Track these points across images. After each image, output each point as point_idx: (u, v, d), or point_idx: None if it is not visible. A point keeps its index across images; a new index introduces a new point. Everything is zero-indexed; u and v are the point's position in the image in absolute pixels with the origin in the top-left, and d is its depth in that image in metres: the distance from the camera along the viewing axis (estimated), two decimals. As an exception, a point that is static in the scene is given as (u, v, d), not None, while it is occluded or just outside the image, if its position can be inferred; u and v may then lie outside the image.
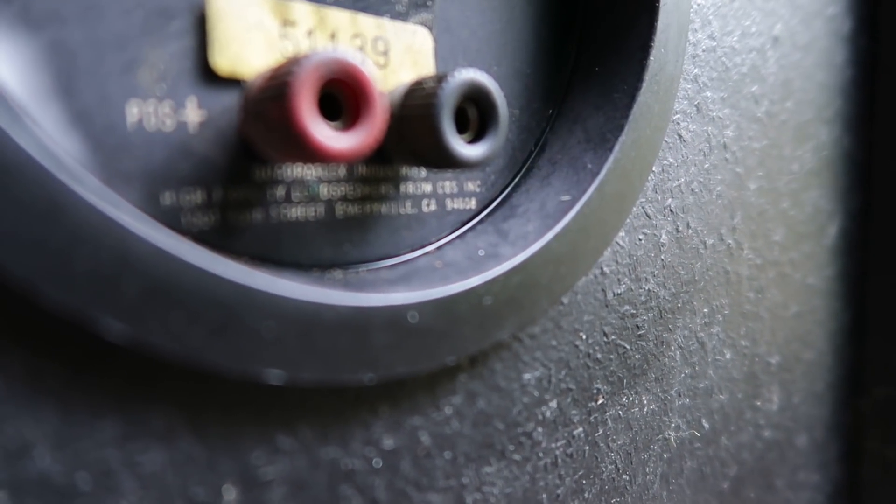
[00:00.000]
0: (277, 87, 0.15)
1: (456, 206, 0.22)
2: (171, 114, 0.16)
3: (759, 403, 0.31)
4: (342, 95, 0.17)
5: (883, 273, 0.37)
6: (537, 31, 0.24)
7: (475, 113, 0.19)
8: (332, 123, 0.17)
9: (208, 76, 0.17)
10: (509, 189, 0.23)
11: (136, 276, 0.13)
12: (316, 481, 0.17)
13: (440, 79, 0.18)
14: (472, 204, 0.22)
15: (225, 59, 0.17)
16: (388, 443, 0.18)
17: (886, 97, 0.37)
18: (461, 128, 0.19)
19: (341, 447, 0.18)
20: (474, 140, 0.19)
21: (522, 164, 0.24)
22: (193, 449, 0.15)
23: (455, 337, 0.18)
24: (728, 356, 0.29)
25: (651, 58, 0.23)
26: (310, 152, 0.16)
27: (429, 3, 0.21)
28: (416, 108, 0.18)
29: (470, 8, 0.22)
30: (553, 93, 0.25)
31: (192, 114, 0.17)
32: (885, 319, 0.37)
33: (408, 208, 0.21)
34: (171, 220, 0.17)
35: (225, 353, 0.15)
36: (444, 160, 0.18)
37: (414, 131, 0.18)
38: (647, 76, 0.23)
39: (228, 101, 0.17)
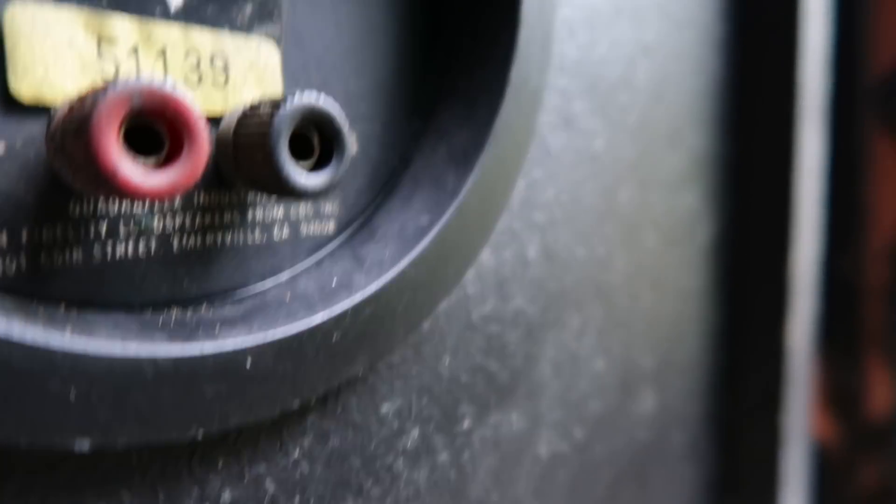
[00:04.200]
0: (78, 121, 0.14)
1: (312, 230, 0.21)
2: (-41, 148, 0.14)
3: (633, 407, 0.32)
4: (159, 125, 0.15)
5: (754, 272, 0.39)
6: (401, 41, 0.23)
7: (318, 138, 0.18)
8: (149, 158, 0.15)
9: (8, 103, 0.15)
10: (370, 210, 0.22)
11: None
12: (145, 546, 0.16)
13: (276, 104, 0.17)
14: (331, 227, 0.21)
15: (28, 84, 0.15)
16: (227, 496, 0.17)
17: (757, 101, 0.38)
18: (304, 153, 0.18)
19: None
20: (317, 166, 0.18)
21: (384, 183, 0.23)
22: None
23: (299, 379, 0.17)
24: (601, 364, 0.29)
25: (513, 72, 0.23)
26: (120, 192, 0.14)
27: (275, 14, 0.20)
28: (250, 136, 0.17)
29: (324, 18, 0.21)
30: (418, 107, 0.24)
31: (-12, 147, 0.15)
32: (757, 317, 0.39)
33: (256, 236, 0.20)
34: (-32, 266, 0.15)
35: (16, 426, 0.13)
36: (281, 190, 0.17)
37: (249, 160, 0.17)
38: (510, 91, 0.23)
39: (34, 130, 0.16)
